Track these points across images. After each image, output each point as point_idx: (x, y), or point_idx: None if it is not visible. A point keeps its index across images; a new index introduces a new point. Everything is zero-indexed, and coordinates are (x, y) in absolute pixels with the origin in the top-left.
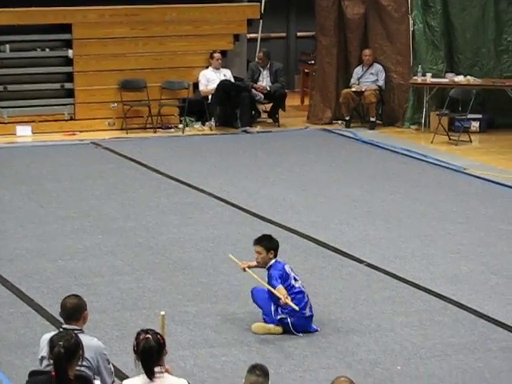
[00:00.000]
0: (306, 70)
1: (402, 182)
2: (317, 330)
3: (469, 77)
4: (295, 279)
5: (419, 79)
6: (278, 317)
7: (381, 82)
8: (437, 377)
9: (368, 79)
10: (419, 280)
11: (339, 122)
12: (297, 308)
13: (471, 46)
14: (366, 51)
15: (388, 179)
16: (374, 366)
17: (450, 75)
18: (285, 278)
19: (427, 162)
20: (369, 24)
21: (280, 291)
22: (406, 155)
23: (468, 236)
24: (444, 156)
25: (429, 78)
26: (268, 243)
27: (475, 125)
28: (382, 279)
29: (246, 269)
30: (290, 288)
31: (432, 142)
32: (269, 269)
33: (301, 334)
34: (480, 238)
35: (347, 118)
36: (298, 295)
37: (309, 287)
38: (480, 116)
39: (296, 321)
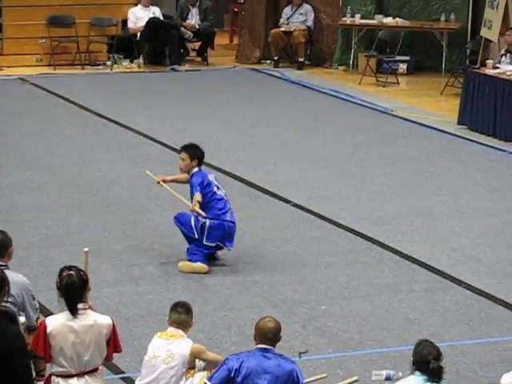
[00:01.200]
0: (236, 9)
1: (330, 122)
2: (231, 248)
3: (397, 19)
4: (217, 187)
5: (348, 20)
6: (200, 224)
7: (310, 23)
8: (360, 316)
9: (297, 19)
10: (345, 220)
11: (268, 61)
12: (203, 214)
13: None
14: None
15: (316, 120)
16: (298, 305)
17: (378, 17)
18: (206, 185)
19: (355, 103)
20: None
21: (195, 198)
22: (334, 96)
23: (393, 177)
24: (371, 97)
25: (357, 19)
26: (193, 152)
27: (403, 67)
28: (308, 219)
29: (161, 182)
30: (211, 194)
31: (360, 84)
32: (191, 177)
33: (231, 247)
34: (405, 179)
35: (276, 58)
36: (219, 201)
37: None
38: (408, 58)
39: (214, 224)
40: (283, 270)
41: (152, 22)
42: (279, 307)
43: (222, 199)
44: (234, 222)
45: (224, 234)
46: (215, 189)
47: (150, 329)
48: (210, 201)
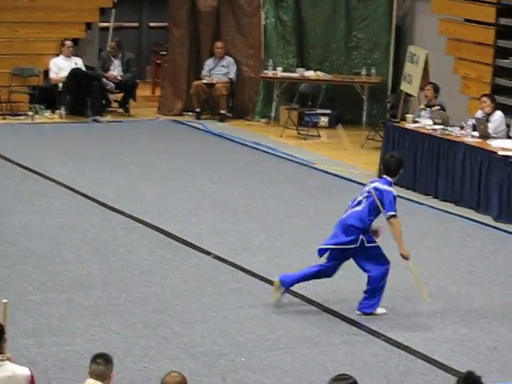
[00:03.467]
0: (158, 61)
1: (251, 175)
2: None
3: (319, 72)
4: None
5: (270, 73)
6: None
7: (232, 75)
8: (281, 369)
9: (219, 72)
10: (265, 273)
11: (189, 113)
12: None
13: (322, 42)
14: (218, 44)
15: (237, 172)
16: (218, 357)
17: (300, 70)
18: None
19: (276, 155)
20: (221, 17)
21: None
22: (256, 148)
23: (314, 230)
24: (293, 150)
25: (279, 72)
26: None
27: (324, 120)
28: (228, 271)
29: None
30: None
31: (281, 136)
32: None
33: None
34: (326, 232)
35: (198, 110)
36: None
37: (155, 278)
38: (329, 111)
39: None
40: (203, 322)
41: (74, 73)
42: (199, 359)
43: None
44: None
45: None
46: None
47: (69, 380)
48: None
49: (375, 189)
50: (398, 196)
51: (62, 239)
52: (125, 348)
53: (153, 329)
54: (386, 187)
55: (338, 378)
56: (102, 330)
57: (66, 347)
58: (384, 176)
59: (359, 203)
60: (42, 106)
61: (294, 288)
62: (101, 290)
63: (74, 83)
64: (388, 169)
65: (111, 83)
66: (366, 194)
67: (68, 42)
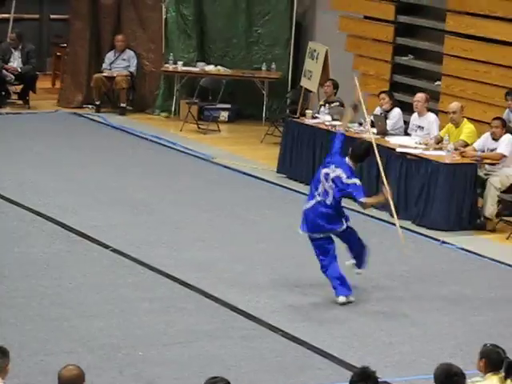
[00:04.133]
0: (59, 53)
1: (151, 168)
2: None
3: (219, 67)
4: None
5: (170, 67)
6: None
7: (132, 68)
8: (179, 363)
9: (120, 65)
10: (164, 267)
11: (90, 106)
12: None
13: (223, 37)
14: (119, 37)
15: (137, 165)
16: (116, 351)
17: (200, 64)
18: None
19: (176, 149)
20: (122, 10)
21: None
22: (156, 142)
23: (213, 224)
24: (193, 144)
25: (180, 67)
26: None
27: (224, 114)
28: (127, 265)
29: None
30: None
31: (181, 130)
32: None
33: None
34: (226, 226)
35: (98, 103)
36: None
37: (53, 271)
38: (229, 106)
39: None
40: (101, 315)
41: None
42: (96, 353)
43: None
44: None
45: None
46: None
47: None
48: None
49: (339, 180)
50: (297, 192)
51: None
52: (22, 341)
53: (50, 321)
54: (350, 181)
55: (212, 380)
56: None
57: None
58: (346, 160)
59: (326, 194)
60: None
61: (192, 281)
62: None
63: None
64: (355, 154)
65: (11, 75)
66: (331, 184)
67: None
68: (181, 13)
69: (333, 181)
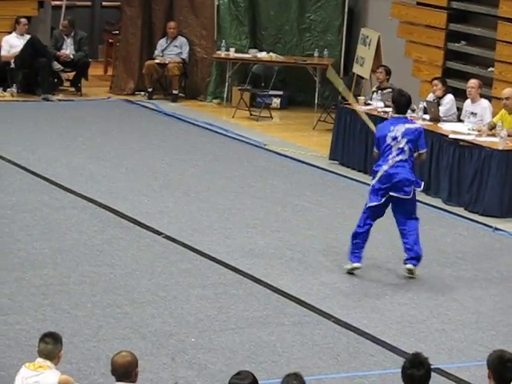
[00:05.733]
0: (110, 40)
1: (203, 155)
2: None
3: (271, 53)
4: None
5: (222, 54)
6: None
7: (184, 55)
8: (230, 349)
9: (172, 52)
10: (216, 253)
11: (142, 93)
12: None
13: (275, 23)
14: (171, 23)
15: (189, 152)
16: (168, 337)
17: (253, 51)
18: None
19: (228, 136)
20: None
21: None
22: (208, 129)
23: (265, 211)
24: (245, 131)
25: (232, 53)
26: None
27: (276, 101)
28: (179, 251)
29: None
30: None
31: (233, 117)
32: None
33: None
34: (277, 213)
35: (150, 90)
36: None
37: (105, 257)
38: (281, 93)
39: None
40: (153, 301)
41: (25, 51)
42: (148, 339)
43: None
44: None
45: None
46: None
47: (18, 359)
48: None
49: (412, 131)
50: (349, 178)
51: (13, 218)
52: (74, 327)
53: (103, 308)
54: (416, 125)
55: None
56: (51, 309)
57: (16, 326)
58: (399, 115)
59: (402, 151)
60: None
61: (243, 268)
62: (51, 269)
63: (25, 61)
64: (399, 106)
65: (59, 65)
66: (405, 139)
67: (23, 20)
68: None
69: None
